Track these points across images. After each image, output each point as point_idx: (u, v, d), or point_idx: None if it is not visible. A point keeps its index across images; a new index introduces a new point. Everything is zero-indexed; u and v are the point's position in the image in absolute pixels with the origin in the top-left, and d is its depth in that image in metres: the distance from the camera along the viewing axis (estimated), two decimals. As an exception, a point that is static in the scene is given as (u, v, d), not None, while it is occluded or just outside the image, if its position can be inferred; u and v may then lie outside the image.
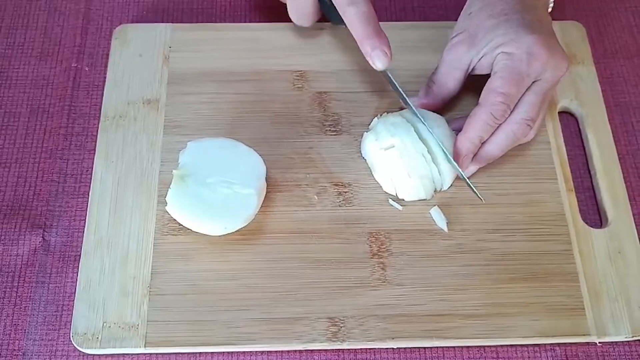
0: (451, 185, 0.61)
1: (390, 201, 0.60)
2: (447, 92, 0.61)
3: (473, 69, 0.60)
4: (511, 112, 0.57)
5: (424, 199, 0.60)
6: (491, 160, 0.60)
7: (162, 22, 0.70)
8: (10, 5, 0.72)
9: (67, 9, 0.72)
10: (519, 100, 0.57)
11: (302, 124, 0.64)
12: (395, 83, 0.61)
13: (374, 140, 0.60)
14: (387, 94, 0.64)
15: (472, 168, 0.60)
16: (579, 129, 0.66)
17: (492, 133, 0.58)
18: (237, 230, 0.58)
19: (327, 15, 0.64)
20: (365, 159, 0.62)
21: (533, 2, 0.59)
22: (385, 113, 0.63)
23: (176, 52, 0.67)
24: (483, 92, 0.57)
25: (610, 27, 0.72)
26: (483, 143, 0.58)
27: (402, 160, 0.58)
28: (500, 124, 0.57)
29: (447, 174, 0.60)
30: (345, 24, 0.61)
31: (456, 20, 0.70)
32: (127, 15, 0.71)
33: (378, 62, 0.59)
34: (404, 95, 0.61)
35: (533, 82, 0.57)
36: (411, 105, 0.61)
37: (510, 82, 0.56)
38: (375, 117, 0.62)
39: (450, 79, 0.61)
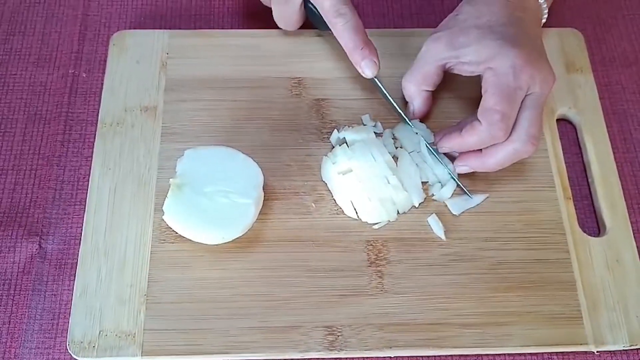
0: (451, 194, 0.61)
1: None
2: (424, 88, 0.61)
3: (450, 68, 0.60)
4: (512, 129, 0.56)
5: (387, 221, 0.60)
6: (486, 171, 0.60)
7: (160, 28, 0.70)
8: (8, 11, 0.71)
9: (64, 15, 0.71)
10: (517, 118, 0.57)
11: (299, 131, 0.64)
12: (384, 90, 0.63)
13: (332, 165, 0.60)
14: (384, 101, 0.64)
15: (465, 168, 0.60)
16: (577, 137, 0.66)
17: (493, 148, 0.57)
18: (234, 239, 0.57)
19: (314, 23, 0.65)
20: (326, 182, 0.61)
21: (520, 15, 0.59)
22: (347, 126, 0.63)
23: (174, 59, 0.67)
24: (479, 110, 0.57)
25: (608, 35, 0.72)
26: (480, 153, 0.58)
27: (361, 184, 0.59)
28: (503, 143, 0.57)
29: (415, 192, 0.60)
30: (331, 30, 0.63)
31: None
32: (125, 21, 0.71)
33: (368, 71, 0.62)
34: (393, 102, 0.62)
35: (526, 95, 0.57)
36: (400, 111, 0.62)
37: (503, 98, 0.55)
38: (335, 130, 0.63)
39: (424, 75, 0.61)
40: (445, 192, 0.61)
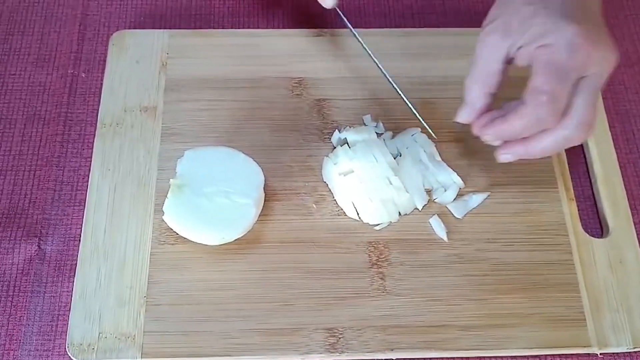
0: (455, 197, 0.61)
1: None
2: (492, 87, 0.54)
3: (511, 60, 0.53)
4: (565, 115, 0.51)
5: (388, 222, 0.59)
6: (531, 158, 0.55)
7: (160, 28, 0.70)
8: (7, 11, 0.71)
9: (64, 15, 0.71)
10: (571, 102, 0.51)
11: (300, 132, 0.63)
12: (349, 25, 0.62)
13: (333, 165, 0.59)
14: (386, 100, 0.64)
15: (508, 157, 0.55)
16: (580, 137, 0.65)
17: (541, 134, 0.52)
18: (235, 240, 0.57)
19: None
20: (327, 183, 0.61)
21: None
22: (348, 127, 0.62)
23: (174, 59, 0.67)
24: (525, 91, 0.51)
25: (611, 35, 0.71)
26: (526, 139, 0.53)
27: (362, 185, 0.58)
28: (554, 130, 0.52)
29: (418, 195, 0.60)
30: None
31: (456, 27, 0.70)
32: (124, 21, 0.71)
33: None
34: (359, 39, 0.62)
35: (581, 78, 0.51)
36: (382, 69, 0.61)
37: (553, 78, 0.50)
38: (336, 130, 0.62)
39: (488, 74, 0.54)
40: (448, 196, 0.60)
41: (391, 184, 0.59)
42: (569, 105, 0.51)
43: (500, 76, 0.54)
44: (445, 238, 0.59)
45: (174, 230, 0.57)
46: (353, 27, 0.69)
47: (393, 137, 0.63)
